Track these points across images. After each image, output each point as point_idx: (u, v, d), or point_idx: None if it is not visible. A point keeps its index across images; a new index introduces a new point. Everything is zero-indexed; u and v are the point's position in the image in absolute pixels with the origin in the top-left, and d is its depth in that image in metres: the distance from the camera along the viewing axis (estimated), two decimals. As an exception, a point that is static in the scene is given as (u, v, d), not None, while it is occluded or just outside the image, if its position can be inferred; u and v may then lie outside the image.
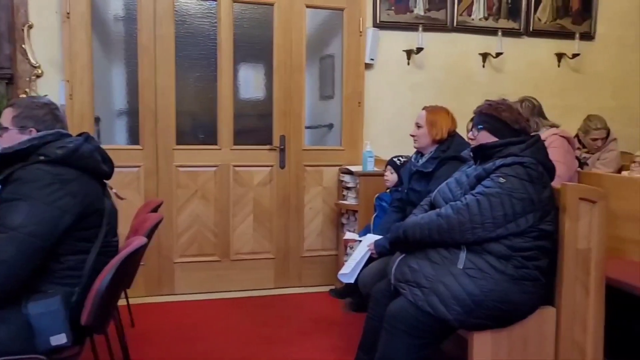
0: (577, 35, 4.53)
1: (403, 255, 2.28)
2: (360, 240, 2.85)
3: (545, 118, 3.36)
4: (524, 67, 4.53)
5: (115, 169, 2.19)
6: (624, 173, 3.55)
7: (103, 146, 2.17)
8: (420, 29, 4.15)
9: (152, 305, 3.68)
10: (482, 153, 2.29)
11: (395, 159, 3.27)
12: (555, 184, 2.28)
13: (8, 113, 2.05)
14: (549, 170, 2.23)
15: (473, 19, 4.40)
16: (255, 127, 4.13)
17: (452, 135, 2.87)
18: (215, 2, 3.84)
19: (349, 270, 2.70)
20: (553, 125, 3.29)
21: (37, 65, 3.61)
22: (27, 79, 3.59)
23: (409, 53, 4.27)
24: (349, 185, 3.92)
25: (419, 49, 4.19)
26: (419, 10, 4.27)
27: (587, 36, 4.64)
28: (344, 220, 4.03)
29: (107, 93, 3.89)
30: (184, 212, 3.89)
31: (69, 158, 1.93)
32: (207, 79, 3.94)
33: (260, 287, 4.03)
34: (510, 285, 2.10)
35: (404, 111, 4.13)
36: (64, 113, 2.21)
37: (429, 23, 4.27)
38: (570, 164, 3.20)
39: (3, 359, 1.77)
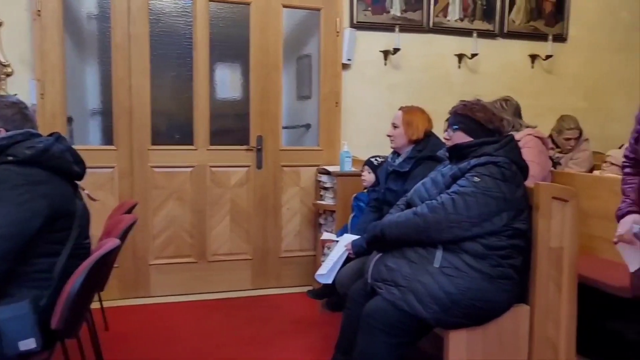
0: (550, 37, 4.61)
1: (380, 254, 2.29)
2: (338, 241, 2.85)
3: (521, 119, 3.42)
4: (498, 68, 4.59)
5: (89, 170, 2.15)
6: (596, 172, 3.62)
7: (76, 146, 2.13)
8: (396, 29, 4.17)
9: (127, 308, 3.63)
10: (457, 153, 2.32)
11: (372, 159, 3.28)
12: (530, 183, 2.31)
13: (-24, 113, 1.99)
14: (523, 169, 2.26)
15: (449, 20, 4.43)
16: (232, 127, 4.11)
17: (428, 135, 2.89)
18: (190, 1, 3.81)
19: (326, 270, 2.71)
20: (529, 126, 3.34)
21: (7, 63, 3.52)
22: (-4, 77, 3.51)
23: (385, 53, 4.29)
24: (327, 185, 3.92)
25: (396, 50, 4.21)
26: (396, 11, 4.29)
27: (560, 38, 4.72)
28: (321, 221, 4.03)
29: (80, 92, 3.82)
30: (160, 214, 3.85)
31: (38, 158, 1.89)
32: (182, 78, 3.90)
33: (238, 289, 4.00)
34: (486, 283, 2.12)
35: (381, 111, 4.15)
36: (34, 112, 2.17)
37: (406, 24, 4.29)
38: (544, 164, 3.24)
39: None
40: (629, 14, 4.90)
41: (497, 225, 2.13)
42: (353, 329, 2.28)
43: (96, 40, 3.78)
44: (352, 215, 3.40)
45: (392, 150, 2.98)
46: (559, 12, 4.71)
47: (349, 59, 4.16)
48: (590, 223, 2.95)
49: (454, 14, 4.44)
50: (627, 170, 2.03)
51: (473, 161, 2.19)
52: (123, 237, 2.39)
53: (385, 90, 4.32)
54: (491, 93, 3.60)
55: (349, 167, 3.79)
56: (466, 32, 4.43)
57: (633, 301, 2.05)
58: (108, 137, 3.78)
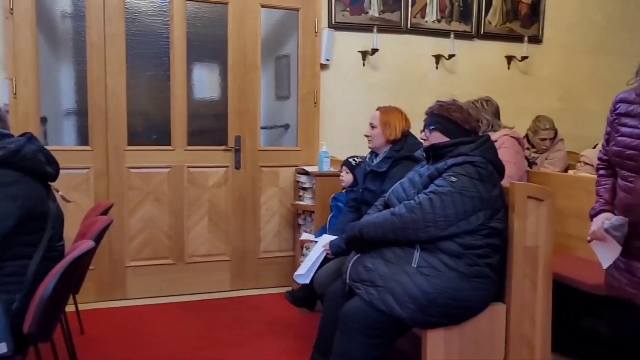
0: (526, 39, 4.67)
1: (358, 254, 2.30)
2: (316, 241, 2.85)
3: (499, 120, 3.46)
4: (475, 69, 4.64)
5: (64, 171, 2.12)
6: (571, 172, 3.67)
7: (50, 147, 2.10)
8: (375, 30, 4.19)
9: (103, 311, 3.57)
10: (434, 153, 2.34)
11: (350, 159, 3.29)
12: (506, 183, 2.34)
13: (-55, 112, 1.95)
14: (499, 169, 2.29)
15: (426, 21, 4.46)
16: (209, 127, 4.07)
17: (406, 135, 2.90)
18: (167, 0, 3.77)
19: (305, 270, 2.70)
20: (506, 127, 3.38)
21: (-22, 62, 3.45)
22: (-33, 77, 3.44)
23: (364, 54, 4.30)
24: (305, 185, 3.91)
25: (374, 50, 4.23)
26: (374, 11, 4.31)
27: (536, 39, 4.78)
28: (300, 221, 4.02)
29: (55, 92, 3.75)
30: (136, 215, 3.80)
31: (9, 159, 1.85)
32: (159, 78, 3.85)
33: (216, 290, 3.97)
34: (463, 282, 2.14)
35: (360, 111, 4.15)
36: (6, 112, 2.12)
37: (384, 24, 4.31)
38: (520, 164, 3.29)
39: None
40: (602, 17, 5.00)
41: (474, 225, 2.15)
42: (331, 330, 2.28)
43: (71, 39, 3.72)
44: (330, 215, 3.41)
45: (370, 150, 2.99)
46: (535, 14, 4.78)
47: (327, 59, 4.16)
48: (565, 222, 3.00)
49: (431, 15, 4.47)
50: (601, 172, 2.08)
51: (450, 161, 2.21)
52: (98, 239, 2.36)
53: (364, 91, 4.33)
54: (468, 94, 3.64)
55: (327, 168, 3.79)
56: (443, 33, 4.46)
57: (607, 298, 2.08)
58: (83, 137, 3.72)
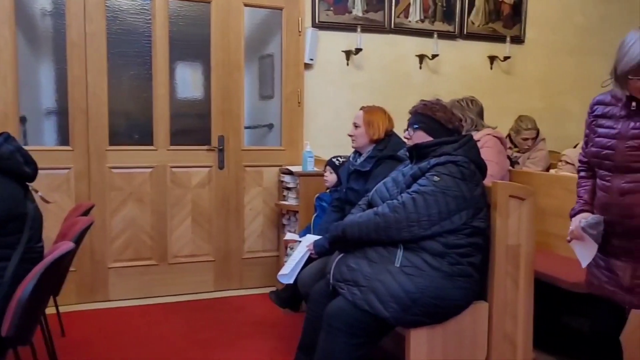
0: (508, 39, 4.71)
1: (342, 254, 2.30)
2: (300, 241, 2.84)
3: (483, 119, 3.48)
4: (458, 69, 4.66)
5: (44, 171, 2.10)
6: (552, 171, 3.72)
7: (30, 147, 2.07)
8: (358, 29, 4.19)
9: (85, 313, 3.53)
10: (417, 152, 2.34)
11: (334, 159, 3.28)
12: (488, 182, 2.35)
13: None
14: (481, 168, 2.30)
15: (410, 21, 4.48)
16: (192, 127, 4.04)
17: (389, 134, 2.91)
18: (149, -1, 3.74)
19: (288, 270, 2.69)
20: (489, 127, 3.40)
21: (-45, 61, 3.39)
22: (-56, 75, 3.37)
23: (348, 53, 4.30)
24: (289, 185, 3.90)
25: (358, 50, 4.23)
26: (358, 11, 4.31)
27: (518, 40, 4.82)
28: (284, 221, 4.01)
29: (34, 91, 3.69)
30: (118, 215, 3.76)
31: (-14, 160, 1.82)
32: (141, 77, 3.81)
33: (200, 291, 3.94)
34: (446, 281, 2.15)
35: (344, 111, 4.16)
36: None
37: (367, 24, 4.31)
38: (503, 163, 3.31)
39: None
40: (583, 18, 5.06)
41: (457, 224, 2.16)
42: (315, 329, 2.28)
43: (51, 38, 3.66)
44: (314, 215, 3.40)
45: (353, 150, 2.99)
46: (517, 15, 4.82)
47: (311, 59, 4.15)
48: (546, 220, 3.03)
49: (414, 15, 4.49)
50: (582, 174, 2.11)
51: (433, 160, 2.22)
52: (79, 240, 2.33)
53: (348, 90, 4.33)
54: (452, 93, 3.67)
55: (311, 167, 3.79)
56: (427, 33, 4.48)
57: (588, 296, 2.11)
58: (64, 137, 3.67)
